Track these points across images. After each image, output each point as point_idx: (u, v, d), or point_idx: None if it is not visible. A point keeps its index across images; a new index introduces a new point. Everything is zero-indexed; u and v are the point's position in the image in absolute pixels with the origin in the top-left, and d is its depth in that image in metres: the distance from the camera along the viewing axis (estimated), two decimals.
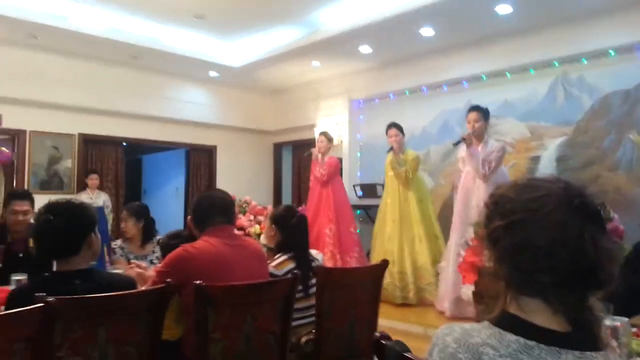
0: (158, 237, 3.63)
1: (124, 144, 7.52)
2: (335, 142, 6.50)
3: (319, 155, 5.98)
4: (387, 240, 5.27)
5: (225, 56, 6.96)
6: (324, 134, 6.14)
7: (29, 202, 3.25)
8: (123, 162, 7.49)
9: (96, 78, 6.75)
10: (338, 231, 5.75)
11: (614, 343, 1.30)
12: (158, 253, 3.52)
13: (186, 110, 7.68)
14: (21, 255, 3.05)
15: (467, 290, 4.35)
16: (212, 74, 7.44)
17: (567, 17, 5.05)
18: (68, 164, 6.71)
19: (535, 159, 5.58)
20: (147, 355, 1.81)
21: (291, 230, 2.76)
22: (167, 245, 2.65)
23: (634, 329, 1.52)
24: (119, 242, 3.60)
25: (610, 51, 5.03)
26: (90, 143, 7.01)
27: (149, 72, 7.20)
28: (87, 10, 5.68)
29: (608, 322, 1.31)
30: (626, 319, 1.35)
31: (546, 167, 5.43)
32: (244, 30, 6.38)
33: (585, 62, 5.24)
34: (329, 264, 5.44)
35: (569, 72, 5.38)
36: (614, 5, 4.76)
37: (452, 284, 4.58)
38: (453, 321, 4.57)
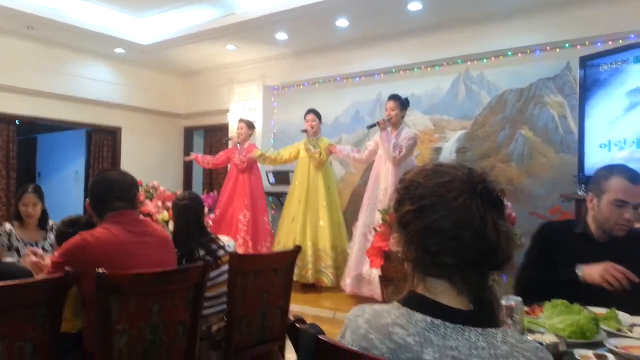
0: (52, 223, 3.40)
1: (17, 122, 6.89)
2: None
3: (239, 143, 5.94)
4: (292, 221, 5.38)
5: (133, 32, 6.57)
6: (243, 121, 6.08)
7: None
8: (15, 142, 6.86)
9: None
10: (253, 218, 5.74)
11: (509, 321, 1.42)
12: (51, 239, 3.29)
13: (88, 88, 7.17)
14: None
15: (368, 269, 4.56)
16: (118, 50, 7.00)
17: (471, 18, 5.35)
18: None
19: (438, 150, 5.90)
20: (45, 351, 1.68)
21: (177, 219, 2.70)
22: (64, 234, 2.43)
23: (526, 308, 1.66)
24: (7, 226, 3.31)
25: (508, 52, 5.41)
26: None
27: (48, 44, 6.62)
28: None
29: (504, 301, 1.43)
30: (519, 299, 1.47)
31: (446, 158, 5.76)
32: (155, 6, 6.07)
33: (486, 61, 5.61)
34: (241, 251, 5.41)
35: (470, 70, 5.72)
36: (514, 9, 5.12)
37: (354, 262, 4.79)
38: (353, 298, 4.76)
